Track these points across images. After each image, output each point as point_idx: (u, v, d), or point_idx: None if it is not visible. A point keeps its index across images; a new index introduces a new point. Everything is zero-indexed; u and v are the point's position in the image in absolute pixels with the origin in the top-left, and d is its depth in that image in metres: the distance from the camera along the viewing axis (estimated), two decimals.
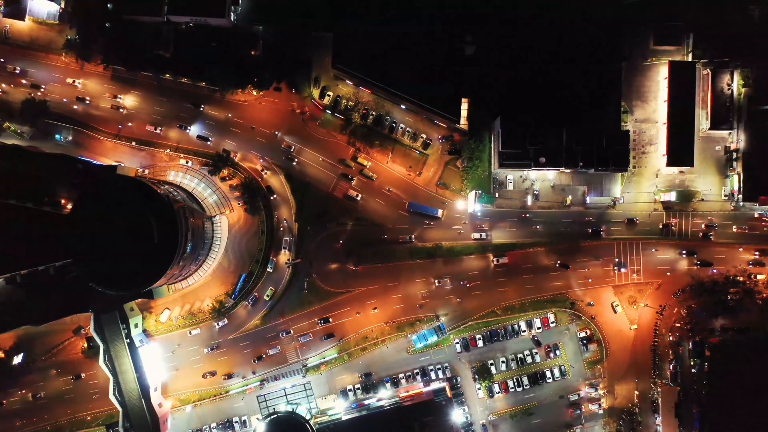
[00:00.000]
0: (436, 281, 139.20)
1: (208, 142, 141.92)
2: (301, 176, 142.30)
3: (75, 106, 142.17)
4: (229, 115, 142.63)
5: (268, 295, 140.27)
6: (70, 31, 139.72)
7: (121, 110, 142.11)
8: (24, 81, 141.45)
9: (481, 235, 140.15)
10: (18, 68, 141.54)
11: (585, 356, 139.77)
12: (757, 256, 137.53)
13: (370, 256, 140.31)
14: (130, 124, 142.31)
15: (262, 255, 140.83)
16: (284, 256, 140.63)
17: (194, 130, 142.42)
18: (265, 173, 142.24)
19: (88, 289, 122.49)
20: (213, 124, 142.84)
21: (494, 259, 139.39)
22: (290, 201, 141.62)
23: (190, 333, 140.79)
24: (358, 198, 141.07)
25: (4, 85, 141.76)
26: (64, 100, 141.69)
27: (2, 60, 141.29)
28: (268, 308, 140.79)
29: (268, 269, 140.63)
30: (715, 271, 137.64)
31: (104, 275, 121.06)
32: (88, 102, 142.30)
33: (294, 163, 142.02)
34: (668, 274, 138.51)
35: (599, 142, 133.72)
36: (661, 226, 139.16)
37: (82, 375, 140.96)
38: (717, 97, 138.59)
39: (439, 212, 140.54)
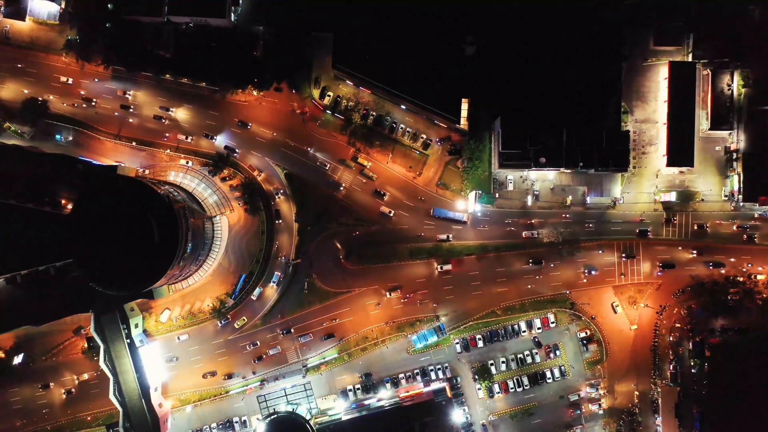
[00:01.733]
0: (387, 293, 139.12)
1: (235, 154, 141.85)
2: (303, 177, 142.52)
3: (130, 120, 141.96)
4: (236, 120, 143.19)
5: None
6: (70, 32, 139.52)
7: (164, 120, 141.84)
8: (82, 93, 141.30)
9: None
10: (70, 80, 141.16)
11: (585, 356, 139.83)
12: (694, 255, 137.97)
13: (371, 256, 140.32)
14: (167, 134, 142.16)
15: (262, 255, 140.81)
16: (271, 290, 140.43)
17: (220, 140, 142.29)
18: (279, 197, 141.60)
19: (88, 289, 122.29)
20: (239, 133, 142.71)
21: (438, 266, 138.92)
22: (293, 230, 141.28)
23: (178, 339, 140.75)
24: (392, 214, 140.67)
25: (53, 97, 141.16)
26: (116, 113, 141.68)
27: (63, 77, 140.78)
28: (267, 308, 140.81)
29: (252, 296, 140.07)
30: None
31: (104, 275, 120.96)
32: (131, 110, 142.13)
33: (341, 190, 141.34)
34: (659, 274, 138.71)
35: (599, 143, 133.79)
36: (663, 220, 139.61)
37: (84, 375, 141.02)
38: (717, 97, 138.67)
39: (465, 217, 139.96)
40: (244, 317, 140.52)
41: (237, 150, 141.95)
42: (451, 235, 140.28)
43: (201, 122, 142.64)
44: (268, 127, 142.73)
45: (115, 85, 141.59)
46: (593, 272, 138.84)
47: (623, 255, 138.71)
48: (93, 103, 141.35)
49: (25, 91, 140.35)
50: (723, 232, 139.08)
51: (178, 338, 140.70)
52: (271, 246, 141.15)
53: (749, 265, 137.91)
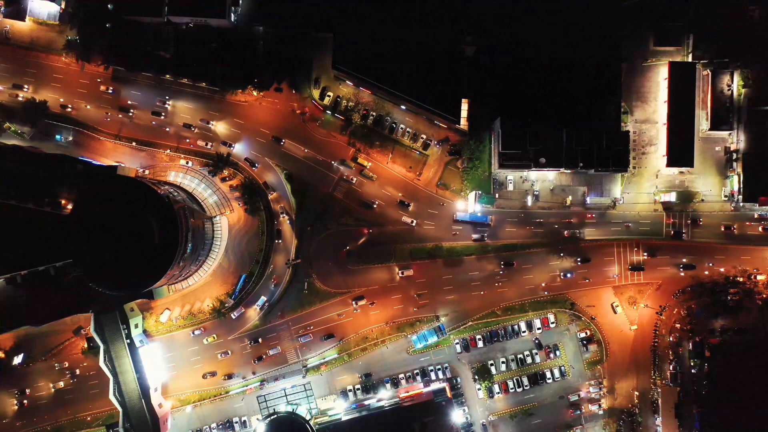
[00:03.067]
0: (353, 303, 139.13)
1: (254, 167, 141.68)
2: (304, 178, 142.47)
3: (166, 129, 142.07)
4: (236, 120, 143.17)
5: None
6: (70, 32, 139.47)
7: (194, 128, 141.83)
8: (130, 102, 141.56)
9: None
10: (111, 88, 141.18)
11: (585, 357, 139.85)
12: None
13: (371, 256, 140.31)
14: (188, 140, 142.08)
15: (263, 255, 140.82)
16: (253, 312, 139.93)
17: (239, 149, 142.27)
18: (283, 216, 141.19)
19: (88, 290, 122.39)
20: (264, 143, 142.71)
21: (399, 271, 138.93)
22: (292, 247, 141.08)
23: (193, 333, 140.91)
24: (414, 224, 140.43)
25: (89, 106, 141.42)
26: (153, 123, 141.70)
27: (103, 86, 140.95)
28: (268, 308, 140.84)
29: (232, 314, 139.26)
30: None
31: (104, 275, 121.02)
32: (163, 117, 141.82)
33: (375, 208, 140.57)
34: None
35: (599, 143, 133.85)
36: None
37: (80, 374, 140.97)
38: (717, 97, 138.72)
39: (489, 219, 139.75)
40: (215, 335, 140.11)
41: (257, 164, 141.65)
42: (485, 235, 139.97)
43: (230, 132, 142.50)
44: (268, 127, 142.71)
45: (155, 94, 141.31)
46: (568, 275, 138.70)
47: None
48: (130, 114, 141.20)
49: (61, 100, 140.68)
50: (751, 234, 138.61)
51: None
52: (271, 246, 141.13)
53: (756, 270, 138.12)
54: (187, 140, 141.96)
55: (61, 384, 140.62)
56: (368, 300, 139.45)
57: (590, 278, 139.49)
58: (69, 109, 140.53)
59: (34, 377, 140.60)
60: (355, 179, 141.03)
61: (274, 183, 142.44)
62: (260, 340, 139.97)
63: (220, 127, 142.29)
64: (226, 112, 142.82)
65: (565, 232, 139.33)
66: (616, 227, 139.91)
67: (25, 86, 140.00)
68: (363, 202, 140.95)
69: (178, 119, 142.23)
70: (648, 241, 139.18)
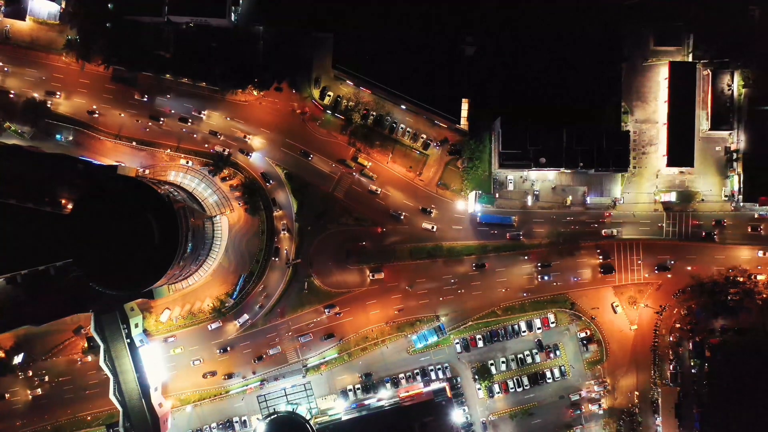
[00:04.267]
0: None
1: (269, 183, 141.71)
2: (303, 177, 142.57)
3: (194, 135, 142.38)
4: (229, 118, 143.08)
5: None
6: (70, 32, 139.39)
7: (219, 136, 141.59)
8: (172, 111, 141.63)
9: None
10: (146, 96, 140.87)
11: (585, 357, 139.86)
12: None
13: (371, 256, 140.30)
14: (206, 145, 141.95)
15: (263, 255, 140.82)
16: (233, 327, 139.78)
17: (255, 158, 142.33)
18: (283, 233, 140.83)
19: (88, 289, 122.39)
20: (288, 154, 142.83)
21: (370, 273, 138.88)
22: (287, 273, 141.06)
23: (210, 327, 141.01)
24: (434, 229, 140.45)
25: (123, 114, 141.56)
26: (194, 135, 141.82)
27: (147, 98, 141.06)
28: (268, 308, 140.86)
29: (209, 326, 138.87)
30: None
31: (104, 275, 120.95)
32: (190, 123, 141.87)
33: (402, 219, 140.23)
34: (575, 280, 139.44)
35: (599, 143, 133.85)
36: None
37: (80, 373, 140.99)
38: (717, 97, 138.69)
39: (513, 220, 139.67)
40: (182, 346, 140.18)
41: (272, 180, 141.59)
42: (519, 234, 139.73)
43: (259, 143, 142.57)
44: (268, 126, 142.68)
45: (193, 104, 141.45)
46: (546, 278, 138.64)
47: (601, 270, 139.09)
48: (161, 121, 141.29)
49: (94, 107, 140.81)
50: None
51: (165, 340, 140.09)
52: (272, 246, 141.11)
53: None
54: (206, 145, 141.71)
55: (61, 383, 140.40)
56: (341, 308, 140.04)
57: (559, 281, 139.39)
58: (96, 115, 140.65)
59: (34, 377, 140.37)
60: (380, 190, 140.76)
61: (282, 202, 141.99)
62: (228, 348, 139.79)
63: (256, 142, 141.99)
64: (228, 113, 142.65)
65: (603, 232, 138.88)
66: (645, 227, 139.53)
67: (57, 93, 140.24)
68: (391, 214, 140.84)
69: (204, 126, 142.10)
70: (656, 242, 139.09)
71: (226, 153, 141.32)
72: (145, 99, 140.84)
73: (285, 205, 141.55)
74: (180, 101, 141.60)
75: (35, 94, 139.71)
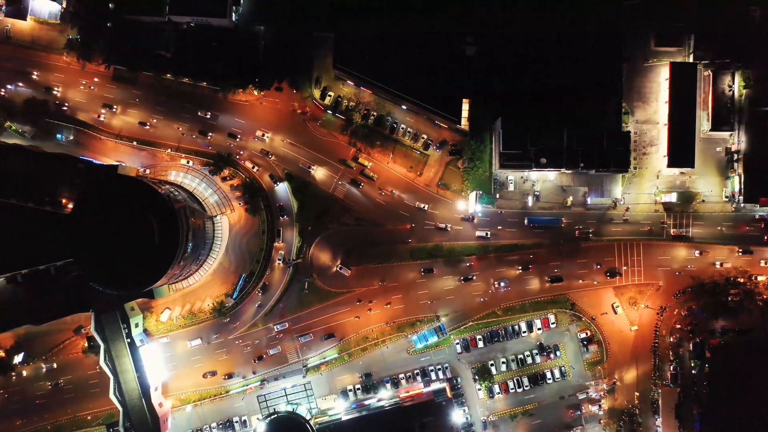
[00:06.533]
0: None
1: (282, 218, 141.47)
2: (304, 177, 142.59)
3: (240, 152, 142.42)
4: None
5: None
6: (71, 31, 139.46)
7: (271, 156, 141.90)
8: (231, 130, 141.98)
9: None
10: (209, 113, 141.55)
11: (585, 357, 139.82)
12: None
13: (371, 256, 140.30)
14: (241, 152, 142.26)
15: (263, 255, 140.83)
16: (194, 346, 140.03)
17: (281, 188, 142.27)
18: (278, 263, 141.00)
19: (88, 289, 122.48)
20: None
21: (338, 266, 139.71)
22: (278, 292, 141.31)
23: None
24: (449, 228, 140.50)
25: (181, 128, 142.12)
26: (231, 144, 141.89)
27: (210, 114, 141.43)
28: (268, 308, 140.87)
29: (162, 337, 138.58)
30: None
31: (105, 275, 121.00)
32: (239, 139, 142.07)
33: (449, 231, 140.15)
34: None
35: (600, 143, 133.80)
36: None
37: (81, 373, 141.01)
38: (718, 98, 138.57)
39: (562, 220, 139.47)
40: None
41: (285, 215, 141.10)
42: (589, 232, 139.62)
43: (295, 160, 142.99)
44: (268, 126, 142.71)
45: (257, 125, 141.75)
46: (503, 284, 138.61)
47: (519, 268, 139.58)
48: (208, 137, 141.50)
49: (153, 120, 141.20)
50: None
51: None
52: (272, 246, 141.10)
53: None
54: (241, 152, 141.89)
55: (62, 383, 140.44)
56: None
57: (510, 287, 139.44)
58: (147, 127, 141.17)
59: (34, 376, 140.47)
60: (427, 207, 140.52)
61: (287, 238, 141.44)
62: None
63: (276, 146, 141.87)
64: (228, 113, 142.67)
65: (672, 231, 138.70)
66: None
67: (114, 106, 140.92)
68: (437, 227, 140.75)
69: (253, 145, 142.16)
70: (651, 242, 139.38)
71: (226, 154, 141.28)
72: (208, 116, 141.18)
73: (288, 241, 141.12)
74: (249, 121, 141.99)
75: (101, 111, 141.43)
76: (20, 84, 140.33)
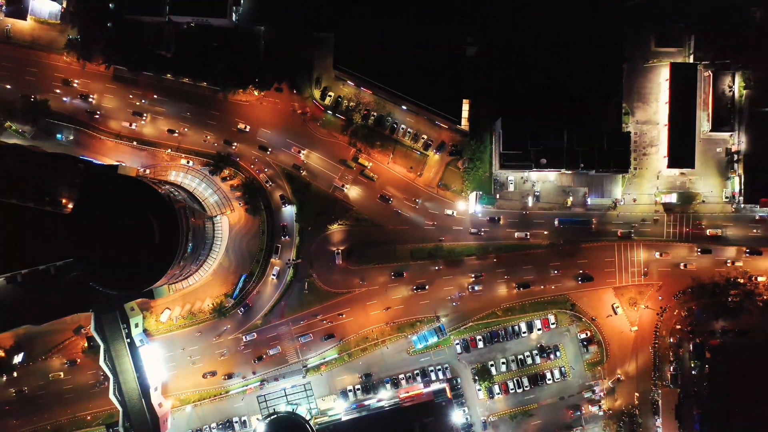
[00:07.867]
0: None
1: (284, 237, 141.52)
2: (305, 177, 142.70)
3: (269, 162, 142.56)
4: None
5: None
6: (71, 31, 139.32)
7: (302, 171, 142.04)
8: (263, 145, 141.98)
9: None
10: (248, 126, 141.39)
11: (585, 358, 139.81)
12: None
13: (371, 256, 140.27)
14: (266, 168, 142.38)
15: (263, 255, 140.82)
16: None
17: (288, 210, 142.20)
18: (272, 278, 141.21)
19: (88, 289, 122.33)
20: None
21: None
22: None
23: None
24: (454, 214, 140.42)
25: (233, 148, 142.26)
26: (255, 159, 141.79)
27: (242, 123, 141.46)
28: (268, 308, 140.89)
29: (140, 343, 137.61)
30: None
31: (105, 275, 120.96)
32: (270, 152, 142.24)
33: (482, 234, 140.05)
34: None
35: (600, 144, 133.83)
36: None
37: (80, 373, 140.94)
38: (718, 98, 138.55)
39: (593, 220, 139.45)
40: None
41: (287, 236, 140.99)
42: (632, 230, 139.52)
43: (326, 171, 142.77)
44: (269, 126, 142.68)
45: (292, 141, 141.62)
46: (476, 288, 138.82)
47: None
48: (233, 146, 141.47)
49: (208, 136, 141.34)
50: None
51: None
52: (272, 246, 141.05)
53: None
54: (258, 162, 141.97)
55: (61, 383, 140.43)
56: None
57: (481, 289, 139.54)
58: (176, 134, 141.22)
59: (34, 376, 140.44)
60: (455, 213, 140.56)
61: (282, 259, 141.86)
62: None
63: (312, 159, 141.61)
64: (228, 113, 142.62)
65: (708, 231, 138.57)
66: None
67: (144, 115, 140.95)
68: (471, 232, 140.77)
69: (283, 159, 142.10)
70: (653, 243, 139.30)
71: (226, 153, 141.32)
72: (246, 129, 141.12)
73: (281, 275, 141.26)
74: (282, 137, 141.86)
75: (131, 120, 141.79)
76: (57, 91, 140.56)
